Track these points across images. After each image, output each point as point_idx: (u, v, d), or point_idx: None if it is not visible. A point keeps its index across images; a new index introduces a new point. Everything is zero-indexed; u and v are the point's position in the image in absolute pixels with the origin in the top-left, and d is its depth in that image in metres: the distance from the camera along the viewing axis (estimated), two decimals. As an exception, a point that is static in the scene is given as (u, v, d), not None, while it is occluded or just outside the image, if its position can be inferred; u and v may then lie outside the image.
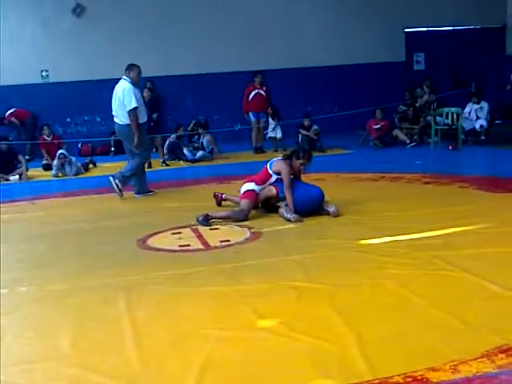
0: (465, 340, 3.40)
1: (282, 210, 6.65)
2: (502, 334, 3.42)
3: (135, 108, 8.61)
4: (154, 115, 12.42)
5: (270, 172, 6.94)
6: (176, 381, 3.14)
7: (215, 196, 7.56)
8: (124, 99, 8.68)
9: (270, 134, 13.65)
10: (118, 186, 8.64)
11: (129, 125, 8.64)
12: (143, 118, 8.83)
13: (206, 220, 6.62)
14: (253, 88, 13.72)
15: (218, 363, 3.30)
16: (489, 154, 11.77)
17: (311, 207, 6.68)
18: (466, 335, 3.47)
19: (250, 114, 13.63)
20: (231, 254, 5.50)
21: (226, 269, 5.02)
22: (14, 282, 4.99)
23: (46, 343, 3.74)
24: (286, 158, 7.02)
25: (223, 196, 7.49)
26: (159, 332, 3.77)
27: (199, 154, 12.84)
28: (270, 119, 13.63)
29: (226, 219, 6.78)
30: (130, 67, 8.88)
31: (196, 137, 13.58)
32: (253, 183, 6.99)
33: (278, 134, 13.51)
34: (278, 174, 6.87)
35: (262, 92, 13.68)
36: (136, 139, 8.57)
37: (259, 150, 13.37)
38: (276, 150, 13.14)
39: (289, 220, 6.48)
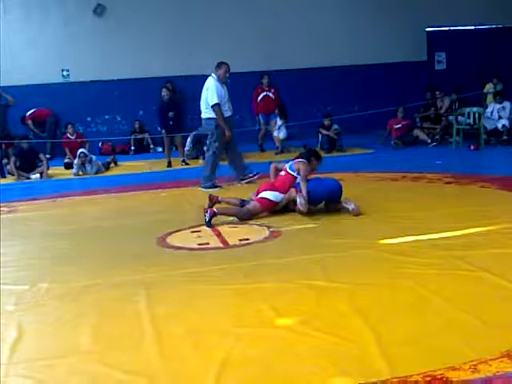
0: (485, 339, 3.37)
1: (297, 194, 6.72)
2: (523, 335, 3.39)
3: (217, 104, 9.01)
4: (171, 113, 12.46)
5: (293, 173, 6.94)
6: (195, 378, 3.15)
7: (210, 199, 7.08)
8: (208, 95, 9.11)
9: (274, 133, 13.61)
10: (212, 186, 9.01)
11: (210, 118, 9.14)
12: (226, 113, 9.19)
13: (212, 216, 6.62)
14: (261, 90, 13.92)
15: (237, 360, 3.30)
16: (511, 153, 11.66)
17: (330, 196, 6.72)
18: (486, 335, 3.45)
19: (260, 115, 13.92)
20: (250, 253, 5.50)
21: (245, 267, 5.02)
22: (35, 278, 5.04)
23: (67, 339, 3.77)
24: (305, 157, 7.08)
25: (219, 199, 7.17)
26: (179, 329, 3.78)
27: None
28: (278, 118, 13.58)
29: (231, 216, 6.82)
30: (219, 65, 9.25)
31: None
32: (277, 192, 6.91)
33: (282, 134, 13.39)
34: (299, 172, 6.88)
35: (271, 94, 13.89)
36: (226, 132, 9.11)
37: (263, 149, 13.89)
38: (278, 151, 13.12)
39: (302, 204, 6.55)
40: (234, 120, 9.64)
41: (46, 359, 3.49)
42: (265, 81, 13.91)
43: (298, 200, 6.63)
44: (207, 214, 6.60)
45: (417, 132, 13.44)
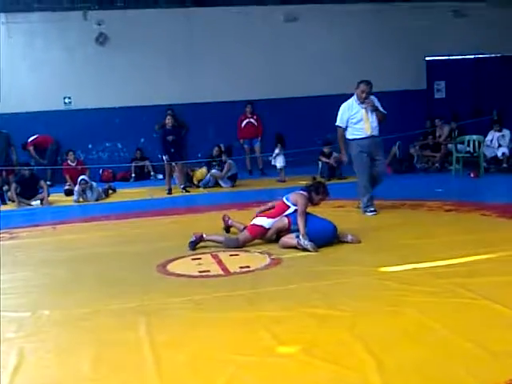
0: (487, 368, 3.36)
1: (295, 241, 6.48)
2: (525, 363, 3.38)
3: (339, 126, 8.72)
4: (170, 137, 12.56)
5: (288, 203, 6.87)
6: (196, 406, 3.13)
7: (224, 219, 7.55)
8: None
9: (273, 162, 13.68)
10: (369, 208, 8.49)
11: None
12: (354, 135, 8.59)
13: (196, 242, 6.75)
14: (244, 117, 15.08)
15: (238, 389, 3.29)
16: (511, 181, 11.69)
17: (326, 241, 6.56)
18: (488, 363, 3.43)
19: (243, 141, 15.03)
20: (251, 280, 5.49)
21: (246, 295, 5.01)
22: (36, 305, 5.02)
23: (67, 367, 3.75)
24: (305, 190, 6.95)
25: (229, 222, 7.46)
26: (179, 357, 3.76)
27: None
28: (276, 147, 13.64)
29: (219, 243, 6.84)
30: (357, 84, 8.68)
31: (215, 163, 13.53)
32: (265, 218, 6.90)
33: (279, 163, 13.42)
34: (295, 204, 6.78)
35: (253, 120, 15.05)
36: (341, 155, 8.95)
37: (251, 173, 14.71)
38: (281, 179, 13.16)
39: (305, 248, 6.36)
40: (375, 141, 8.57)
41: (46, 387, 3.48)
42: (248, 109, 15.09)
43: (301, 242, 6.40)
44: (193, 237, 6.74)
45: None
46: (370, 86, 8.53)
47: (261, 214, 7.04)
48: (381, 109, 8.57)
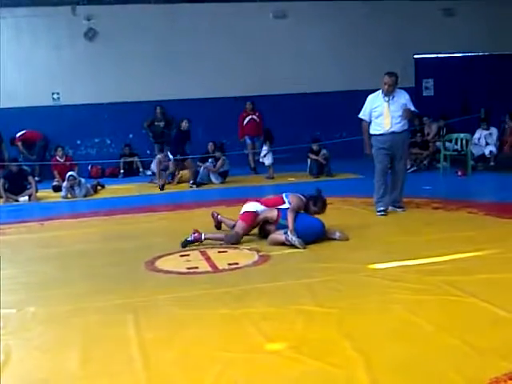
0: (473, 366, 3.38)
1: (283, 237, 6.50)
2: (511, 360, 3.40)
3: (361, 119, 8.38)
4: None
5: (285, 199, 6.91)
6: (184, 403, 3.13)
7: (213, 216, 7.52)
8: None
9: (261, 159, 13.69)
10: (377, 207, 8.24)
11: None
12: (374, 129, 8.26)
13: (192, 243, 6.71)
14: (246, 114, 14.69)
15: (226, 386, 3.29)
16: (498, 179, 11.77)
17: (314, 238, 6.57)
18: (474, 361, 3.45)
19: (246, 138, 14.54)
20: (239, 277, 5.50)
21: (235, 292, 5.01)
22: (22, 302, 5.00)
23: (55, 364, 3.74)
24: (306, 197, 6.96)
25: (219, 217, 7.45)
26: (168, 354, 3.76)
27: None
28: (264, 144, 13.65)
29: (219, 241, 6.81)
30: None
31: (211, 159, 13.42)
32: (257, 203, 6.96)
33: (267, 161, 13.41)
34: (291, 203, 6.82)
35: (255, 117, 14.63)
36: (366, 149, 8.40)
37: (255, 170, 14.31)
38: (270, 175, 13.15)
39: (293, 245, 6.39)
40: (396, 138, 8.17)
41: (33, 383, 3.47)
42: (249, 106, 14.75)
43: (289, 238, 6.42)
44: (192, 236, 6.70)
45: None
46: (394, 77, 8.14)
47: (253, 199, 7.06)
48: (409, 106, 8.19)
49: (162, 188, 12.42)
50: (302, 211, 6.84)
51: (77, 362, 3.71)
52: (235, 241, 6.76)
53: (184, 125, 12.99)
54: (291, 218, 6.54)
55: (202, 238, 6.78)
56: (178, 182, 13.20)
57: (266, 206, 6.96)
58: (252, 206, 6.96)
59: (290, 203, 6.82)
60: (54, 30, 15.42)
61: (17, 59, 15.25)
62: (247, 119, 14.66)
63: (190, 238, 6.73)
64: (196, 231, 6.80)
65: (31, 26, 15.38)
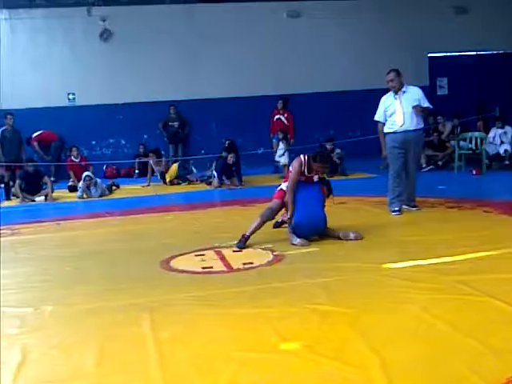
0: (490, 366, 3.36)
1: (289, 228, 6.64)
2: (527, 360, 3.39)
3: (377, 121, 8.37)
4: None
5: (291, 169, 6.93)
6: (199, 402, 3.15)
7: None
8: None
9: (277, 158, 13.68)
10: (392, 207, 8.20)
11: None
12: (388, 128, 8.26)
13: (244, 242, 6.63)
14: (276, 113, 14.66)
15: (241, 385, 3.30)
16: (513, 178, 11.70)
17: (313, 230, 6.62)
18: (491, 361, 3.43)
19: (274, 137, 14.34)
20: (254, 277, 5.51)
21: (249, 291, 5.02)
22: (39, 301, 5.04)
23: (71, 362, 3.77)
24: (309, 154, 6.82)
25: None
26: (183, 353, 3.77)
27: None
28: (280, 143, 13.67)
29: (260, 226, 6.76)
30: None
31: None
32: (286, 183, 6.95)
33: (283, 160, 13.41)
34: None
35: (283, 118, 14.58)
36: (382, 150, 8.39)
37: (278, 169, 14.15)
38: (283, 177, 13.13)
39: (294, 245, 6.48)
40: (410, 136, 8.11)
41: (50, 382, 3.50)
42: (279, 105, 14.67)
43: (290, 239, 6.60)
44: (239, 240, 6.64)
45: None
46: (393, 72, 8.21)
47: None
48: (422, 102, 8.15)
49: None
50: (305, 179, 6.76)
51: (93, 360, 3.73)
52: (270, 215, 6.79)
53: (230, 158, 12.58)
54: (290, 198, 6.63)
55: (247, 234, 6.70)
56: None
57: (286, 181, 6.96)
58: (284, 185, 6.96)
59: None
60: (69, 30, 15.53)
61: (33, 60, 15.38)
62: (275, 118, 14.75)
63: (238, 243, 6.62)
64: (243, 236, 6.70)
65: (47, 26, 15.51)
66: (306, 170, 6.75)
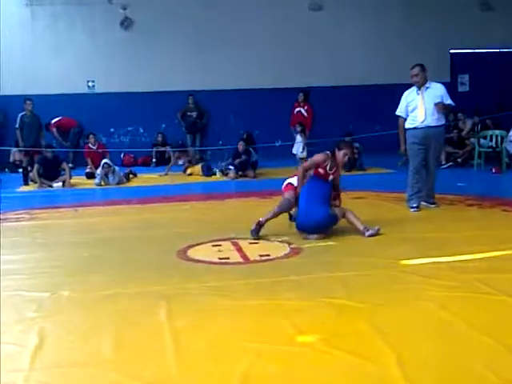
0: (507, 365, 3.34)
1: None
2: (546, 361, 3.36)
3: (399, 116, 8.29)
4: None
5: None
6: (215, 392, 3.15)
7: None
8: None
9: (293, 151, 13.66)
10: (410, 203, 8.13)
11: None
12: (409, 124, 8.16)
13: (259, 228, 6.61)
14: (297, 105, 14.76)
15: (257, 377, 3.30)
16: (533, 178, 11.60)
17: (311, 228, 6.53)
18: (508, 360, 3.41)
19: (293, 128, 14.36)
20: (271, 269, 5.50)
21: (266, 283, 5.02)
22: (55, 286, 5.05)
23: (88, 347, 3.79)
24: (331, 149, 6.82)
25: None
26: (199, 342, 3.78)
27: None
28: (298, 136, 13.64)
29: (277, 215, 6.75)
30: None
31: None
32: (295, 177, 6.90)
33: (300, 153, 13.37)
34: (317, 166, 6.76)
35: (303, 110, 14.69)
36: (401, 145, 8.33)
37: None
38: None
39: (307, 239, 6.48)
40: (430, 132, 8.02)
41: (67, 366, 3.51)
42: (300, 98, 14.82)
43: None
44: (253, 225, 6.62)
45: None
46: (418, 67, 8.09)
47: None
48: (444, 99, 8.07)
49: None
50: (321, 174, 6.73)
51: (109, 346, 3.75)
52: (288, 206, 6.75)
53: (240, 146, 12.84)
54: (300, 176, 6.63)
55: (261, 220, 6.68)
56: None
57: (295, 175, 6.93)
58: (292, 180, 6.94)
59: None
60: (90, 18, 15.57)
61: (53, 47, 15.44)
62: (296, 111, 14.83)
63: (252, 228, 6.60)
64: (258, 222, 6.67)
65: (67, 14, 15.56)
66: (328, 166, 6.74)
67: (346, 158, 6.82)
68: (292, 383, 3.22)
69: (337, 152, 6.74)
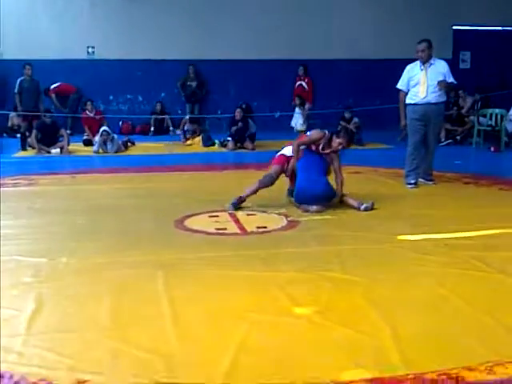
0: (501, 341, 3.37)
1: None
2: (539, 339, 3.39)
3: (399, 89, 8.22)
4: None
5: (308, 134, 6.95)
6: (212, 360, 3.16)
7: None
8: None
9: (292, 124, 13.62)
10: (407, 179, 8.14)
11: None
12: (410, 99, 8.13)
13: (239, 203, 6.66)
14: (298, 79, 14.94)
15: (252, 346, 3.32)
16: (532, 157, 11.61)
17: (311, 198, 6.56)
18: (502, 336, 3.44)
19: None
20: (268, 241, 5.52)
21: (263, 255, 5.03)
22: (53, 252, 5.07)
23: (85, 314, 3.81)
24: (331, 130, 6.85)
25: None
26: (196, 311, 3.80)
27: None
28: (297, 108, 13.62)
29: (257, 190, 6.80)
30: None
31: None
32: (289, 146, 6.93)
33: (298, 125, 13.32)
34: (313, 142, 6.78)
35: (304, 84, 14.82)
36: (401, 120, 8.26)
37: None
38: None
39: (307, 211, 6.48)
40: (431, 109, 8.01)
41: (64, 332, 3.54)
42: (300, 71, 14.96)
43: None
44: (234, 199, 6.66)
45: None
46: (425, 43, 8.04)
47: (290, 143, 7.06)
48: (447, 77, 8.03)
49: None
50: (315, 152, 6.76)
51: (107, 313, 3.77)
52: (269, 182, 6.78)
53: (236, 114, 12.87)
54: (295, 149, 6.65)
55: (243, 196, 6.73)
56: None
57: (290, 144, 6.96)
58: (286, 150, 6.96)
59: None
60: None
61: (52, 12, 15.26)
62: (297, 84, 14.96)
63: (233, 201, 6.64)
64: (240, 197, 6.72)
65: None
66: (322, 145, 6.74)
67: (340, 147, 6.78)
68: (287, 354, 3.25)
69: (334, 137, 6.74)
